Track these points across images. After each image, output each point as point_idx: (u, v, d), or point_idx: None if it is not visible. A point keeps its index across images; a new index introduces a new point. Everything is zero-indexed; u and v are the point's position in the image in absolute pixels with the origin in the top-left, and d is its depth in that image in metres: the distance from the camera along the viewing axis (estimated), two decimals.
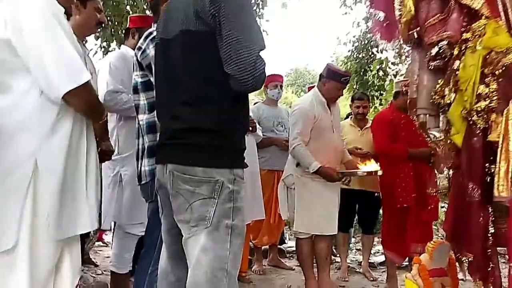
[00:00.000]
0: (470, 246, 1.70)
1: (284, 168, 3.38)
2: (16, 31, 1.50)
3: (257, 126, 3.64)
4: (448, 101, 1.71)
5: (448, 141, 1.77)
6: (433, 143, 1.89)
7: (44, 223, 1.54)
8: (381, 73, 7.98)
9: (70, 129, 1.63)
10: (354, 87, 7.89)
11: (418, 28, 1.79)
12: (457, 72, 1.66)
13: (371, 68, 8.06)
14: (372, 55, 8.01)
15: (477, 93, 1.62)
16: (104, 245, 4.66)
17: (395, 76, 7.85)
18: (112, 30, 5.28)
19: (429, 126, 1.85)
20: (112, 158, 2.63)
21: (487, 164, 1.62)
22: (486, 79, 1.60)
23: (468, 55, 1.62)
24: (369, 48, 8.00)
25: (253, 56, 1.38)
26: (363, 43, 8.03)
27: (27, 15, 1.52)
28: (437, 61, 1.73)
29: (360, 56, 8.07)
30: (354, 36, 8.21)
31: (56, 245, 1.61)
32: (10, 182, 1.51)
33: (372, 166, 3.27)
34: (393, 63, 7.79)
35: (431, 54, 1.73)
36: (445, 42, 1.68)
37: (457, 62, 1.66)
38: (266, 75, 1.45)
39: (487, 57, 1.60)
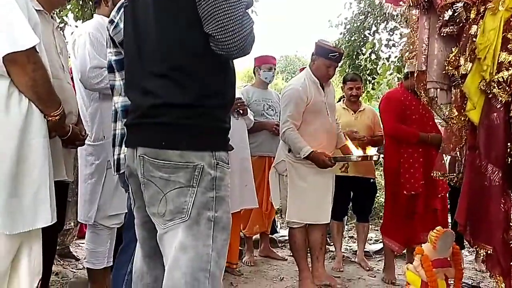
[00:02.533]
0: (489, 237, 1.50)
1: (276, 153, 3.16)
2: None
3: (248, 110, 3.41)
4: (464, 72, 1.49)
5: (463, 118, 1.55)
6: (444, 120, 1.67)
7: None
8: (373, 56, 7.75)
9: (26, 108, 1.43)
10: (347, 70, 7.66)
11: None
12: (474, 39, 1.44)
13: (363, 52, 7.83)
14: (365, 38, 7.77)
15: (499, 61, 1.40)
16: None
17: (387, 59, 7.65)
18: (92, 10, 4.96)
19: (440, 102, 1.63)
20: (97, 143, 2.40)
21: (509, 144, 1.41)
22: (509, 45, 1.39)
23: (488, 18, 1.40)
24: (362, 30, 7.75)
25: (238, 13, 1.15)
26: (355, 25, 7.78)
27: None
28: (451, 27, 1.51)
29: (352, 38, 7.82)
30: (345, 18, 7.95)
31: (10, 240, 1.43)
32: None
33: (367, 151, 3.06)
34: (386, 46, 7.57)
35: (444, 19, 1.51)
36: (460, 4, 1.46)
37: (474, 27, 1.44)
38: (255, 38, 1.22)
39: (511, 19, 1.37)
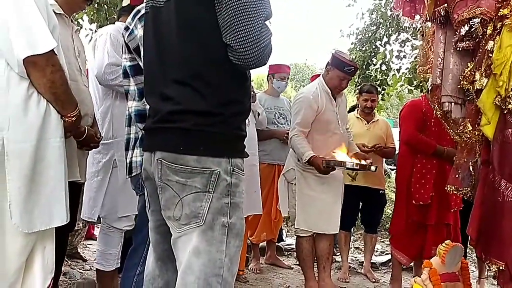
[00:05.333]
0: (501, 252, 1.49)
1: (285, 162, 3.18)
2: None
3: (262, 114, 3.43)
4: (479, 87, 1.49)
5: (477, 133, 1.55)
6: (456, 135, 1.67)
7: (13, 212, 1.40)
8: (384, 67, 7.76)
9: (44, 109, 1.49)
10: (357, 80, 7.68)
11: (446, 4, 1.56)
12: (490, 54, 1.44)
13: (374, 62, 7.84)
14: (376, 49, 7.79)
15: None
16: (96, 239, 4.44)
17: (398, 71, 7.65)
18: (107, 13, 5.03)
19: (454, 116, 1.63)
20: (106, 142, 2.45)
21: None
22: None
23: (505, 34, 1.41)
24: (373, 41, 7.76)
25: (257, 24, 1.17)
26: (366, 35, 7.79)
27: None
28: (467, 42, 1.51)
29: (363, 49, 7.83)
30: (357, 29, 7.97)
31: (26, 239, 1.46)
32: None
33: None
34: (397, 57, 7.57)
35: (460, 34, 1.52)
36: (477, 20, 1.46)
37: (491, 42, 1.45)
38: (272, 49, 1.24)
39: None
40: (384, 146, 3.66)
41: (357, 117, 3.79)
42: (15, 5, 1.41)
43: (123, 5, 2.80)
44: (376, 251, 4.53)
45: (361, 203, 3.80)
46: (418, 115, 3.14)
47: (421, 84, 6.40)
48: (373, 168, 2.80)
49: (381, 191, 3.69)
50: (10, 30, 1.39)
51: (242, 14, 1.17)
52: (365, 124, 3.74)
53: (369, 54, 7.76)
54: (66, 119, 1.59)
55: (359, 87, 7.88)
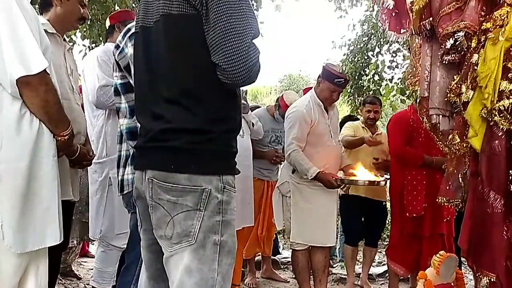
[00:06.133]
0: (492, 264, 1.50)
1: (274, 178, 3.19)
2: None
3: (257, 123, 3.43)
4: (465, 100, 1.52)
5: (465, 145, 1.57)
6: (445, 147, 1.69)
7: (5, 232, 1.39)
8: (376, 77, 7.83)
9: (37, 128, 1.49)
10: (349, 91, 7.74)
11: (431, 18, 1.59)
12: (475, 67, 1.47)
13: (367, 73, 7.91)
14: (368, 59, 7.87)
15: (499, 90, 1.43)
16: (91, 256, 4.39)
17: (390, 81, 7.72)
18: (99, 29, 5.05)
19: (442, 128, 1.65)
20: (100, 160, 2.46)
21: (510, 171, 1.43)
22: (509, 74, 1.42)
23: (488, 47, 1.44)
24: (365, 51, 7.85)
25: (245, 44, 1.19)
26: (358, 46, 7.88)
27: None
28: (452, 55, 1.55)
29: (355, 59, 7.91)
30: (349, 40, 8.06)
31: (20, 259, 1.45)
32: None
33: (374, 176, 3.05)
34: (389, 67, 7.64)
35: (446, 47, 1.55)
36: (461, 33, 1.50)
37: (476, 55, 1.48)
38: (260, 67, 1.26)
39: (511, 49, 1.41)
40: (385, 159, 3.62)
41: (363, 127, 3.75)
42: (7, 26, 1.42)
43: (107, 27, 2.88)
44: (373, 262, 4.50)
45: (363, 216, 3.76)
46: (403, 127, 3.15)
47: (413, 94, 6.45)
48: (382, 183, 2.94)
49: (383, 203, 3.63)
50: (3, 51, 1.40)
51: (229, 33, 1.18)
52: (370, 136, 3.71)
53: (361, 64, 7.84)
54: (59, 138, 1.60)
55: (351, 97, 7.99)
